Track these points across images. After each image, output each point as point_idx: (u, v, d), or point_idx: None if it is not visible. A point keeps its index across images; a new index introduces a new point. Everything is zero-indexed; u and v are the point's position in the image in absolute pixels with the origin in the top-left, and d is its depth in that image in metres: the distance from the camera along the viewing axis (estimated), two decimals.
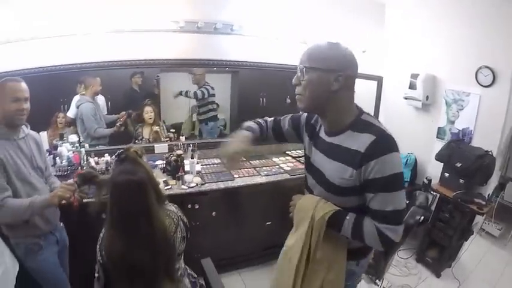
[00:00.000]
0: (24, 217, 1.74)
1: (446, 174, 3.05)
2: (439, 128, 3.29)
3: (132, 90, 3.41)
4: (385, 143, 1.18)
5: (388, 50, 3.80)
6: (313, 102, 1.27)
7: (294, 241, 1.42)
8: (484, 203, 2.76)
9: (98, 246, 1.51)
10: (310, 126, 1.50)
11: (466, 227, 2.94)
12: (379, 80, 3.90)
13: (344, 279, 1.41)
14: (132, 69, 3.23)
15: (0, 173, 1.69)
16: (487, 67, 2.82)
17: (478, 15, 2.88)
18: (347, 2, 3.56)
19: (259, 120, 1.69)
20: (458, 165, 2.87)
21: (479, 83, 2.91)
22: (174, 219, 1.56)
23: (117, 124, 3.28)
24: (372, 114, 1.33)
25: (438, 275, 3.03)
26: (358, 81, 3.66)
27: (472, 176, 2.84)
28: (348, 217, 1.27)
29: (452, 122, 3.17)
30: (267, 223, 2.99)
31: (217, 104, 3.78)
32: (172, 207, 1.63)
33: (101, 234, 1.52)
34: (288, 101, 3.62)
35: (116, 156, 1.51)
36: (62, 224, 2.13)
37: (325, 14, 3.45)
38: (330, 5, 3.47)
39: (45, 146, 2.59)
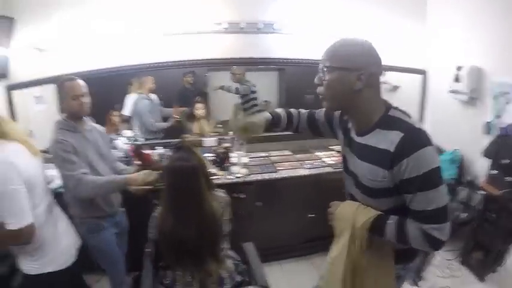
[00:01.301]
0: (101, 192, 2.00)
1: (493, 172, 2.92)
2: (486, 122, 3.14)
3: (184, 88, 3.72)
4: (415, 139, 1.11)
5: (432, 42, 3.69)
6: (336, 102, 1.24)
7: (337, 253, 1.37)
8: None
9: (150, 224, 1.73)
10: (343, 122, 1.44)
11: None
12: (423, 74, 3.81)
13: (395, 285, 1.37)
14: (182, 69, 3.51)
15: (74, 154, 1.92)
16: None
17: None
18: None
19: (292, 109, 1.66)
20: (505, 161, 2.77)
21: None
22: (222, 204, 1.74)
23: (173, 118, 3.60)
24: (417, 109, 1.28)
25: (482, 279, 2.89)
26: (401, 75, 3.60)
27: None
28: (389, 221, 1.21)
29: (500, 116, 3.01)
30: (310, 215, 3.06)
31: (268, 101, 4.01)
32: (221, 193, 1.81)
33: (153, 214, 1.74)
34: None
35: (173, 145, 1.72)
36: (123, 209, 2.37)
37: (365, 6, 3.48)
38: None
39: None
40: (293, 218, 3.07)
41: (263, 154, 3.45)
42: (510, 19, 2.86)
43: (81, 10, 3.08)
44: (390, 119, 1.18)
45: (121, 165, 2.40)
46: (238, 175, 2.87)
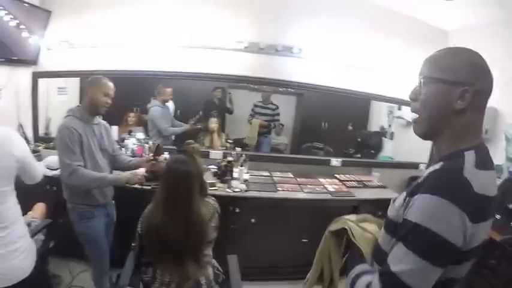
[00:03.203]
0: (91, 186, 2.13)
1: (498, 216, 2.78)
2: (496, 165, 3.02)
3: (211, 102, 3.97)
4: (441, 180, 0.86)
5: None
6: (432, 123, 0.96)
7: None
8: None
9: (140, 219, 1.81)
10: None
11: None
12: None
13: None
14: (201, 81, 3.64)
15: (77, 145, 2.07)
16: None
17: None
18: (407, 29, 3.59)
19: None
20: (511, 206, 2.68)
21: None
22: (211, 210, 1.81)
23: (190, 123, 3.78)
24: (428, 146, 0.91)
25: None
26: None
27: None
28: (359, 265, 1.02)
29: None
30: (303, 240, 3.00)
31: (282, 124, 4.14)
32: (210, 200, 1.89)
33: (145, 210, 1.82)
34: (350, 128, 3.68)
35: (177, 150, 1.81)
36: (113, 201, 2.48)
37: (385, 41, 3.52)
38: (390, 32, 3.53)
39: (114, 137, 2.94)
40: (285, 241, 3.02)
41: (265, 174, 3.46)
42: None
43: (111, 13, 3.29)
44: (458, 155, 0.90)
45: (127, 158, 2.54)
46: (237, 190, 2.92)
